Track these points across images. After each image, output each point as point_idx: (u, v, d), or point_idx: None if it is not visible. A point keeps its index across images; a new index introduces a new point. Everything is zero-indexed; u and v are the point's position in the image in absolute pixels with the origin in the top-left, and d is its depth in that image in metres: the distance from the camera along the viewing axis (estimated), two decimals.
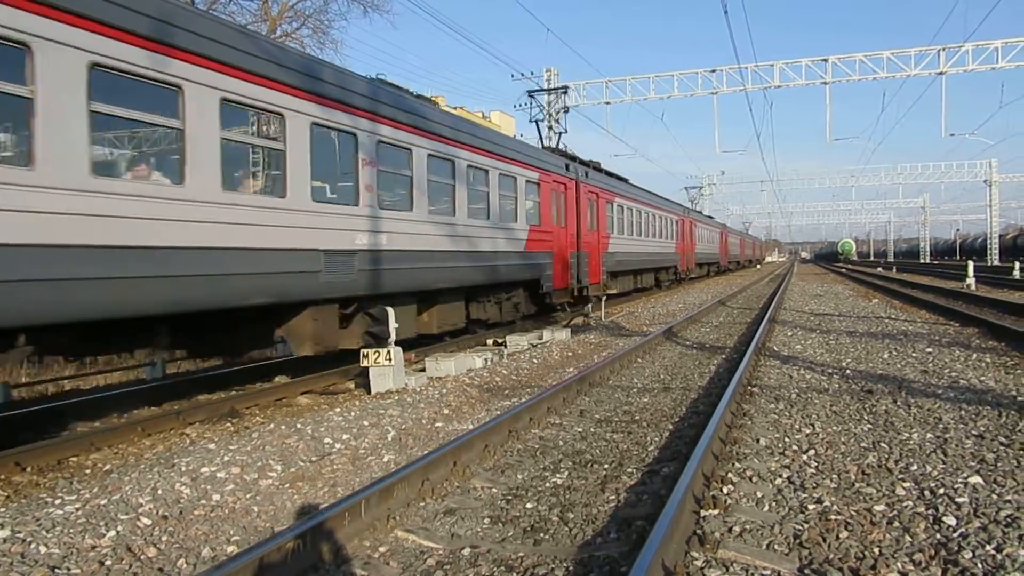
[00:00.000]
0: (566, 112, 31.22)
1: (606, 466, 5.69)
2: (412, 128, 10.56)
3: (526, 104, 32.23)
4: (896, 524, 4.19)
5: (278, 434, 6.67)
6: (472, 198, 12.53)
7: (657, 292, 30.97)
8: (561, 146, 29.47)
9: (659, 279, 32.16)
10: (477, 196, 12.86)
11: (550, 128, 31.30)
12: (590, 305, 19.45)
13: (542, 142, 25.54)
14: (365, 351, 9.48)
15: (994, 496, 4.53)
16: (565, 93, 29.41)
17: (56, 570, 3.99)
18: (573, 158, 18.98)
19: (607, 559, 3.95)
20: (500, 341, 14.34)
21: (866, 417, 6.79)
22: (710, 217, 54.38)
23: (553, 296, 16.61)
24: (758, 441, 6.00)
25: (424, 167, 10.87)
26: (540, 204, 15.59)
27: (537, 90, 28.95)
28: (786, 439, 6.07)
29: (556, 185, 16.59)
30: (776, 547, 3.93)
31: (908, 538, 3.99)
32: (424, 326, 11.70)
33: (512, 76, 31.66)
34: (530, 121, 32.46)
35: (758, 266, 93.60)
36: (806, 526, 4.18)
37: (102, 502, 4.90)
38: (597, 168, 21.74)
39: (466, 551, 4.14)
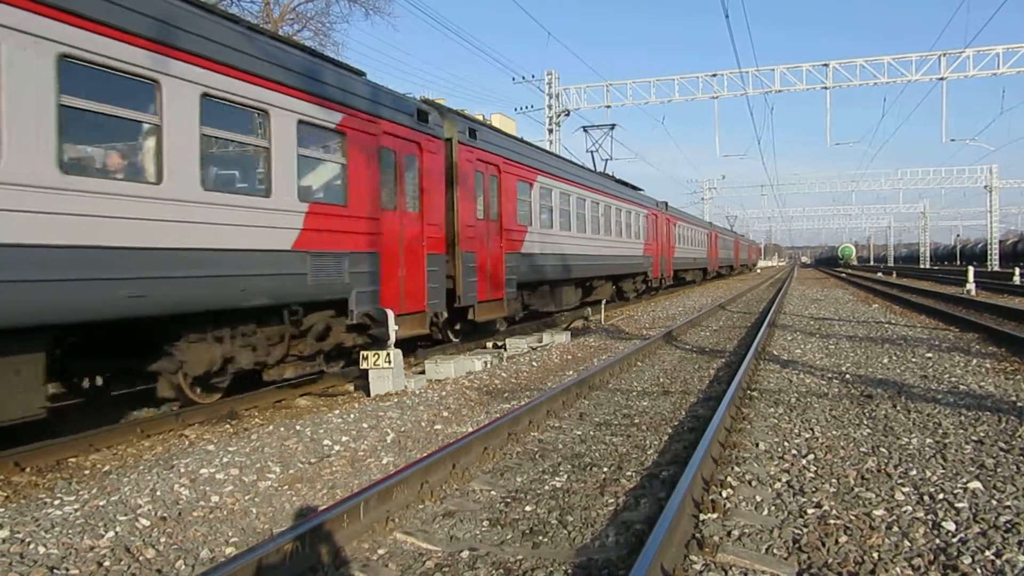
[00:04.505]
0: (567, 115, 31.33)
1: (605, 469, 5.68)
2: None
3: (528, 107, 32.36)
4: (895, 529, 4.19)
5: (277, 436, 6.67)
6: None
7: (657, 296, 30.89)
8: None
9: (621, 289, 25.37)
10: None
11: (550, 133, 31.39)
12: (590, 308, 19.32)
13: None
14: (365, 353, 9.47)
15: (994, 501, 4.53)
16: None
17: (55, 570, 3.98)
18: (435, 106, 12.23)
19: (606, 562, 3.94)
20: (500, 344, 14.33)
21: (866, 422, 6.79)
22: (695, 216, 45.19)
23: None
24: (757, 445, 5.99)
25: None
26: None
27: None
28: (785, 443, 6.07)
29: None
30: (775, 551, 3.93)
31: (907, 543, 3.99)
32: None
33: (513, 79, 31.77)
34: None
35: (758, 270, 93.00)
36: (805, 530, 4.18)
37: (101, 503, 4.90)
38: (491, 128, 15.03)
39: (465, 553, 4.14)
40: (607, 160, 27.57)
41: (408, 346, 11.12)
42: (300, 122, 8.44)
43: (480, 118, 23.11)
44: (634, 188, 27.73)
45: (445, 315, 11.71)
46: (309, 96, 8.56)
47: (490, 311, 13.41)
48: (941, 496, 4.67)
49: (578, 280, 19.72)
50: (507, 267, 14.06)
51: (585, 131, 28.03)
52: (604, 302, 20.95)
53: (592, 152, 27.15)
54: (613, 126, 28.18)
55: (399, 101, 10.75)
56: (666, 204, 32.18)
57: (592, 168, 24.93)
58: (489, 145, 13.61)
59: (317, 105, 8.70)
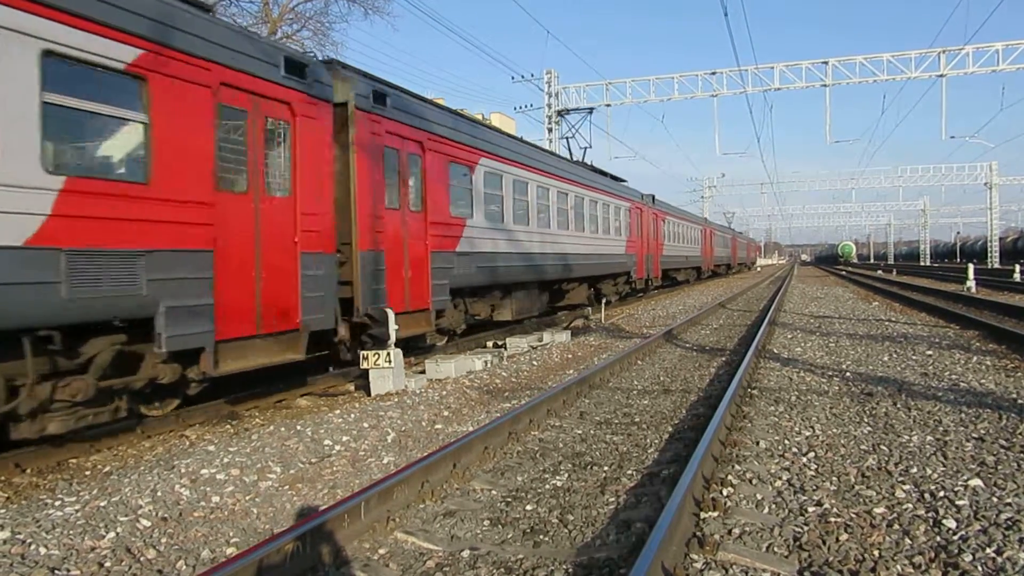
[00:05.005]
0: (566, 115, 31.30)
1: (606, 468, 5.68)
2: None
3: (527, 106, 32.31)
4: (896, 526, 4.19)
5: (278, 436, 6.67)
6: None
7: (657, 295, 30.89)
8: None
9: (600, 292, 22.18)
10: None
11: (549, 132, 31.37)
12: (590, 308, 19.27)
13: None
14: (365, 353, 9.46)
15: (994, 499, 4.53)
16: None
17: (56, 571, 3.99)
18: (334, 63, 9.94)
19: (607, 561, 3.94)
20: (500, 343, 14.33)
21: (866, 419, 6.79)
22: (687, 212, 41.56)
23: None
24: (758, 443, 5.99)
25: None
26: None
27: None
28: (786, 441, 6.07)
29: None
30: (776, 549, 3.93)
31: (908, 540, 3.99)
32: None
33: (512, 78, 31.74)
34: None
35: (757, 268, 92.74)
36: (806, 528, 4.18)
37: (102, 504, 4.90)
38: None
39: (466, 553, 4.14)
40: (585, 148, 25.74)
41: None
42: (48, 53, 5.59)
43: (480, 117, 22.86)
44: (615, 179, 24.46)
45: (343, 333, 9.26)
46: (66, 15, 5.69)
47: (410, 325, 10.59)
48: (942, 494, 4.67)
49: (542, 283, 17.05)
50: (435, 269, 11.23)
51: (561, 116, 25.68)
52: (604, 301, 20.71)
53: (567, 138, 24.25)
54: (591, 110, 25.69)
55: (252, 43, 7.82)
56: (653, 197, 28.98)
57: (568, 156, 22.47)
58: (407, 116, 10.63)
59: (84, 31, 5.82)
